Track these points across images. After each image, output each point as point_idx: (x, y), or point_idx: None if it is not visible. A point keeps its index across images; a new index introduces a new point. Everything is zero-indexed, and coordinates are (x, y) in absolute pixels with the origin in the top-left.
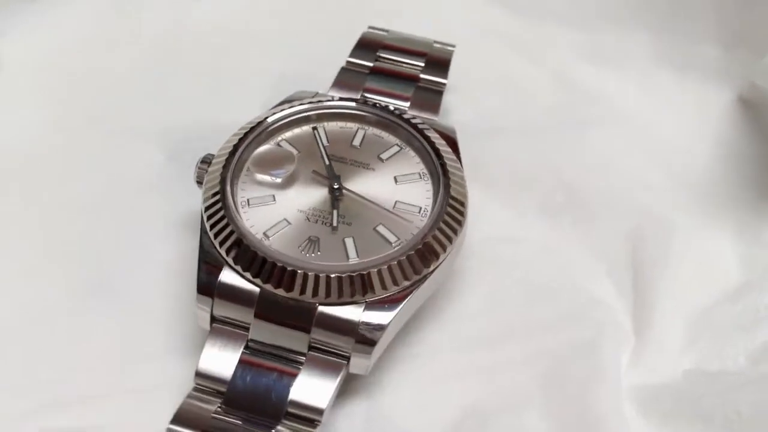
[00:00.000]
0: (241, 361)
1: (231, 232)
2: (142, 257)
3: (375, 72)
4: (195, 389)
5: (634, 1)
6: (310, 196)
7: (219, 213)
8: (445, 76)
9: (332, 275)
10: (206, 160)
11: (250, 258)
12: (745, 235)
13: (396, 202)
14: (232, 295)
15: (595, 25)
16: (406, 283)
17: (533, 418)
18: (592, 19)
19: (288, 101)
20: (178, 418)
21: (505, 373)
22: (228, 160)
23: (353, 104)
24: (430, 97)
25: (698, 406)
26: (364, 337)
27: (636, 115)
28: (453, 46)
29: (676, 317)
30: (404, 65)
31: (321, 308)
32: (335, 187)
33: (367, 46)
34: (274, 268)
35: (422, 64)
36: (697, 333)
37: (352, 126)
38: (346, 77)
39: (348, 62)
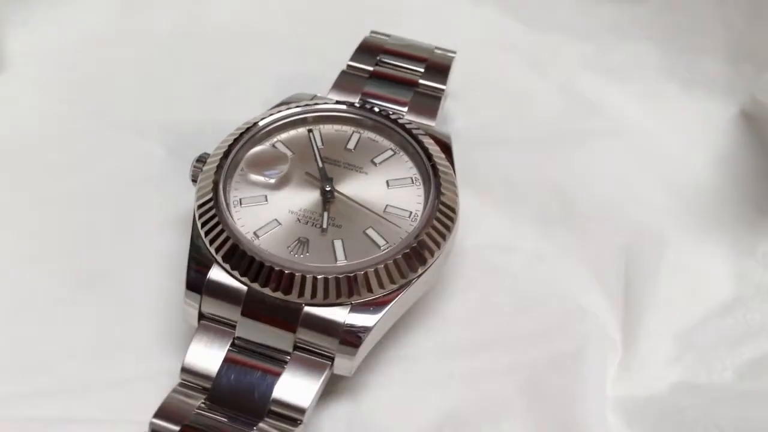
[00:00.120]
0: (226, 359)
1: (221, 231)
2: (136, 251)
3: (374, 76)
4: (180, 384)
5: (641, 13)
6: (302, 197)
7: (211, 211)
8: (444, 82)
9: (319, 276)
10: (202, 159)
11: (238, 256)
12: (739, 250)
13: (387, 206)
14: (220, 292)
15: (600, 37)
16: (393, 287)
17: (515, 427)
18: (598, 30)
19: (285, 103)
20: (162, 413)
21: (489, 381)
22: (222, 160)
23: (349, 108)
24: (428, 103)
25: (682, 420)
26: (349, 339)
27: (638, 127)
28: (454, 52)
29: (665, 330)
30: (404, 70)
31: (307, 308)
32: (327, 189)
33: (368, 50)
34: (262, 267)
35: (422, 70)
36: (686, 347)
37: (347, 129)
38: (346, 80)
39: (348, 66)
